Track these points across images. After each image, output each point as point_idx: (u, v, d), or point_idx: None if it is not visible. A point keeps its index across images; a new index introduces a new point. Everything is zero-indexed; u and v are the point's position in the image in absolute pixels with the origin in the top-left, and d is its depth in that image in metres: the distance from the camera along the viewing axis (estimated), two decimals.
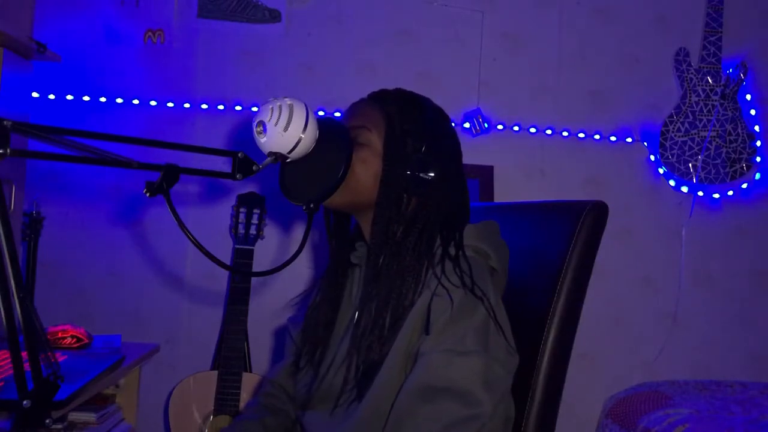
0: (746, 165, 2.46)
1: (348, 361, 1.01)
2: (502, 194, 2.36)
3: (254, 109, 2.32)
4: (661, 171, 2.47)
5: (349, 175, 1.00)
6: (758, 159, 2.47)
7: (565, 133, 2.44)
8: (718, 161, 2.45)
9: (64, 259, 2.26)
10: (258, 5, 2.33)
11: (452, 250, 1.00)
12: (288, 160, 0.93)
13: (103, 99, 2.29)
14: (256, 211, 2.09)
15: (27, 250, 1.92)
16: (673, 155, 2.44)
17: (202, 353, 2.25)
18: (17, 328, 0.70)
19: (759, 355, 2.50)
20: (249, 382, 2.00)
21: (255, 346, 2.16)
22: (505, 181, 2.39)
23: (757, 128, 2.48)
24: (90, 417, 1.71)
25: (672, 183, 2.47)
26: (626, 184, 2.47)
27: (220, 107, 2.34)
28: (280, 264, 0.88)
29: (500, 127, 2.41)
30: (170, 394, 2.03)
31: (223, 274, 2.27)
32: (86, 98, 2.29)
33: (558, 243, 1.07)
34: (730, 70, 2.47)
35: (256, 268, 2.07)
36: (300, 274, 2.22)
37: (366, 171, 1.04)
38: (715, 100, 2.46)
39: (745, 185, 2.49)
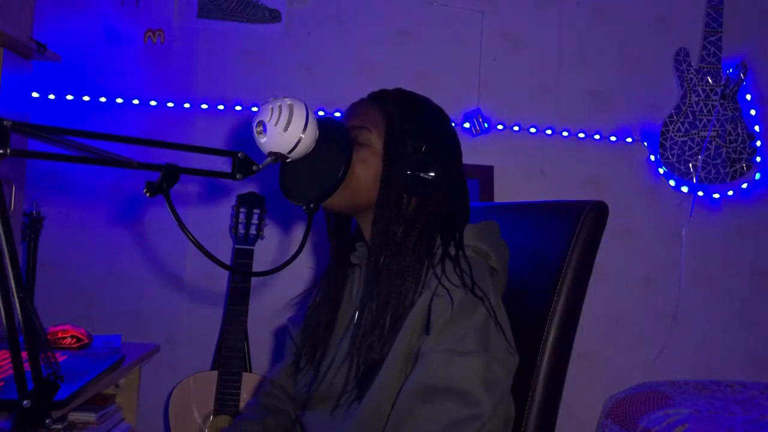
0: (746, 165, 2.46)
1: (348, 361, 1.01)
2: (502, 194, 2.36)
3: (254, 109, 2.32)
4: (661, 171, 2.47)
5: (349, 175, 1.00)
6: (758, 159, 2.47)
7: (565, 133, 2.44)
8: (718, 161, 2.45)
9: (64, 259, 2.26)
10: (258, 5, 2.33)
11: (452, 250, 1.00)
12: (288, 160, 0.93)
13: (103, 99, 2.29)
14: (256, 211, 2.09)
15: (27, 250, 1.92)
16: (673, 155, 2.44)
17: (202, 353, 2.25)
18: (17, 328, 0.70)
19: (759, 355, 2.50)
20: (249, 382, 2.00)
21: (255, 346, 2.16)
22: (505, 181, 2.39)
23: (757, 128, 2.48)
24: (90, 417, 1.71)
25: (672, 183, 2.47)
26: (626, 184, 2.47)
27: (220, 107, 2.34)
28: (280, 264, 0.88)
29: (500, 127, 2.41)
30: (170, 394, 2.03)
31: (223, 274, 2.27)
32: (86, 98, 2.29)
33: (558, 243, 1.07)
34: (730, 70, 2.47)
35: (256, 268, 2.07)
36: (300, 274, 2.22)
37: (366, 171, 1.04)
38: (715, 100, 2.46)
39: (745, 185, 2.49)
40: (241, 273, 2.17)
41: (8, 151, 0.65)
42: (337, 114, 2.28)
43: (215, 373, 2.00)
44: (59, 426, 1.64)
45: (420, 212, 1.03)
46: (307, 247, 2.33)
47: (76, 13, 2.30)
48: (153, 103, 2.31)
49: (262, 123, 0.90)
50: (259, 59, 2.35)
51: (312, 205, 0.97)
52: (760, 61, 2.50)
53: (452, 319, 0.93)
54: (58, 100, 2.28)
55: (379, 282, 1.01)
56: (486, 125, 2.38)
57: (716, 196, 2.48)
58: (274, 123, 0.90)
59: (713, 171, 2.45)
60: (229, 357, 1.98)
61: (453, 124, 1.15)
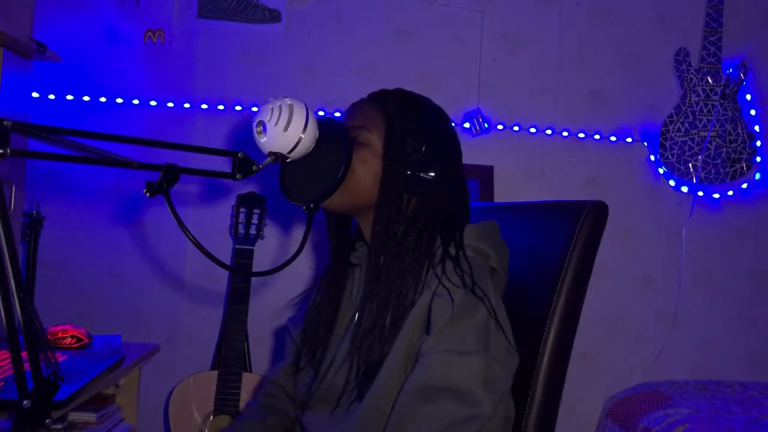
0: (746, 165, 2.46)
1: (348, 361, 1.01)
2: (502, 194, 2.36)
3: (254, 109, 2.32)
4: (661, 171, 2.47)
5: (349, 175, 1.00)
6: (758, 159, 2.47)
7: (565, 133, 2.44)
8: (718, 161, 2.45)
9: (64, 259, 2.26)
10: (258, 5, 2.33)
11: (452, 250, 1.00)
12: (288, 160, 0.93)
13: (103, 99, 2.29)
14: (256, 211, 2.09)
15: (27, 250, 1.92)
16: (673, 155, 2.44)
17: (202, 353, 2.25)
18: (17, 328, 0.70)
19: (759, 355, 2.50)
20: (249, 382, 2.00)
21: (255, 346, 2.16)
22: (505, 181, 2.39)
23: (757, 128, 2.48)
24: (90, 417, 1.71)
25: (672, 183, 2.47)
26: (626, 184, 2.47)
27: (220, 107, 2.34)
28: (280, 264, 0.88)
29: (500, 127, 2.41)
30: (170, 394, 2.03)
31: (223, 274, 2.27)
32: (86, 98, 2.29)
33: (558, 243, 1.07)
34: (730, 70, 2.47)
35: (256, 268, 2.07)
36: (300, 274, 2.22)
37: (366, 171, 1.04)
38: (715, 100, 2.46)
39: (745, 185, 2.49)
40: (241, 273, 2.17)
41: (8, 151, 0.65)
42: (337, 114, 2.28)
43: (215, 373, 2.00)
44: (59, 426, 1.64)
45: (420, 212, 1.03)
46: (307, 247, 2.33)
47: (76, 13, 2.30)
48: (153, 103, 2.31)
49: (262, 123, 0.90)
50: (259, 59, 2.35)
51: (312, 205, 0.97)
52: (760, 61, 2.50)
53: (452, 319, 0.93)
54: (58, 100, 2.28)
55: (380, 282, 1.01)
56: (486, 125, 2.38)
57: (716, 196, 2.48)
58: (274, 123, 0.90)
59: (713, 171, 2.45)
60: (229, 357, 1.98)
61: (453, 124, 1.15)
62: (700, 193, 2.47)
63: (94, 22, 2.30)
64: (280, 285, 2.24)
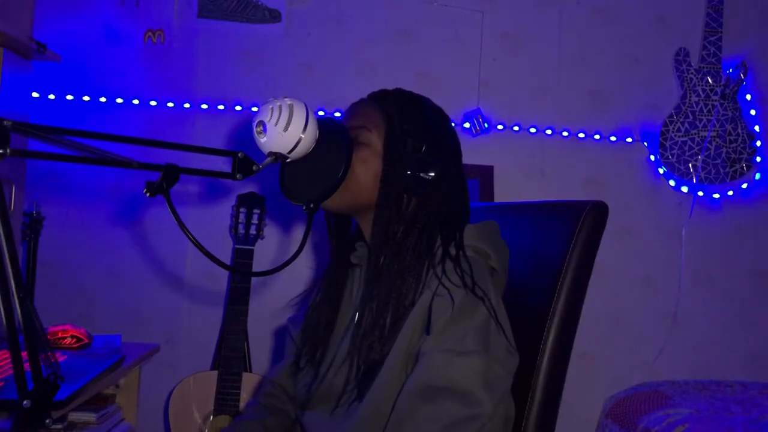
0: (746, 165, 2.46)
1: (348, 361, 1.01)
2: (502, 194, 2.36)
3: (254, 109, 2.32)
4: (661, 171, 2.47)
5: (349, 175, 1.00)
6: (758, 159, 2.47)
7: (565, 133, 2.44)
8: (718, 161, 2.45)
9: (64, 259, 2.26)
10: (258, 5, 2.33)
11: (453, 250, 1.00)
12: (288, 160, 0.93)
13: (103, 99, 2.29)
14: (256, 211, 2.09)
15: (27, 250, 1.92)
16: (673, 155, 2.44)
17: (202, 353, 2.25)
18: (17, 328, 0.70)
19: (759, 355, 2.50)
20: (249, 382, 2.00)
21: (255, 346, 2.16)
22: (505, 181, 2.39)
23: (757, 128, 2.48)
24: (90, 417, 1.71)
25: (672, 183, 2.47)
26: (626, 184, 2.47)
27: (220, 107, 2.34)
28: (280, 264, 0.88)
29: (500, 127, 2.41)
30: (170, 394, 2.03)
31: (223, 274, 2.27)
32: (86, 98, 2.29)
33: (558, 243, 1.07)
34: (730, 70, 2.47)
35: (256, 268, 2.07)
36: (300, 274, 2.22)
37: (366, 171, 1.04)
38: (715, 100, 2.46)
39: (745, 185, 2.49)
40: (241, 273, 2.17)
41: (8, 151, 0.65)
42: (337, 114, 2.28)
43: (215, 373, 2.00)
44: (59, 426, 1.64)
45: (420, 212, 1.03)
46: (307, 247, 2.33)
47: (76, 13, 2.30)
48: (153, 103, 2.31)
49: (262, 123, 0.90)
50: (259, 59, 2.35)
51: (312, 205, 0.97)
52: (760, 61, 2.50)
53: (453, 319, 0.93)
54: (58, 100, 2.28)
55: (380, 282, 1.01)
56: (486, 125, 2.38)
57: (716, 196, 2.48)
58: (274, 123, 0.90)
59: (713, 171, 2.45)
60: (229, 357, 1.98)
61: (453, 124, 1.15)
62: (700, 193, 2.47)
63: (94, 22, 2.30)
64: (280, 285, 2.24)
